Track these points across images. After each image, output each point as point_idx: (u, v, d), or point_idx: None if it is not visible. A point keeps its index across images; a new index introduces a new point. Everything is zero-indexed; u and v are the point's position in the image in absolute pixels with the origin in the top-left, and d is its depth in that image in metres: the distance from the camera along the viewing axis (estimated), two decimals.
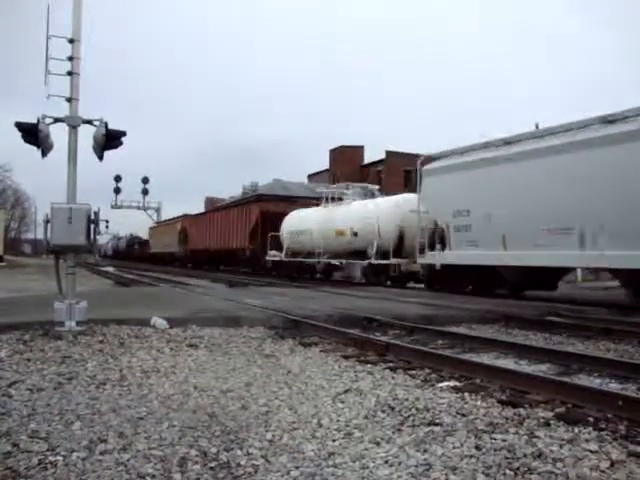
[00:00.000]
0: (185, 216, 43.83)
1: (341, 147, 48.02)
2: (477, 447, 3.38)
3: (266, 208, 27.68)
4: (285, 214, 25.02)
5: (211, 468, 3.10)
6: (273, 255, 24.74)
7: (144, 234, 66.17)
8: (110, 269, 34.08)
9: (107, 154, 8.01)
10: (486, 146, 14.76)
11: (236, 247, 30.32)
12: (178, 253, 42.12)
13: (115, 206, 62.04)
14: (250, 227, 28.14)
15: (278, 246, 24.56)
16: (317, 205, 23.92)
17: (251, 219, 28.40)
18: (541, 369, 5.95)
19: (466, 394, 4.67)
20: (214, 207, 40.36)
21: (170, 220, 49.55)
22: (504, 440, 3.49)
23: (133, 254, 62.68)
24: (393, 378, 5.34)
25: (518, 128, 14.30)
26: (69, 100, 7.74)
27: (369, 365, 5.92)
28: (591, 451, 3.29)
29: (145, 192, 64.20)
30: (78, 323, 7.46)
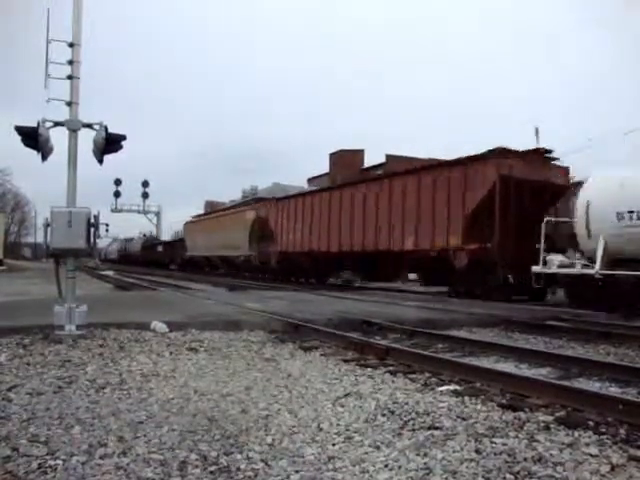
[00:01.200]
0: (263, 200, 28.78)
1: (341, 151, 48.05)
2: (477, 451, 3.37)
3: (513, 170, 14.31)
4: (560, 186, 14.10)
5: (211, 472, 3.10)
6: (561, 264, 12.59)
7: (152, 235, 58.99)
8: (110, 273, 34.05)
9: (107, 158, 8.02)
10: None
11: (414, 248, 16.67)
12: (247, 257, 27.77)
13: (115, 210, 62.08)
14: (471, 207, 14.88)
15: (553, 246, 13.21)
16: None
17: (471, 193, 14.93)
18: (541, 373, 5.95)
19: (466, 398, 4.67)
20: (348, 180, 24.10)
21: (229, 208, 35.45)
22: (504, 444, 3.49)
23: (153, 259, 49.56)
24: (393, 382, 5.34)
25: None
26: (69, 104, 7.74)
27: (369, 369, 5.92)
28: (591, 455, 3.30)
29: (145, 196, 64.30)
30: (78, 327, 7.45)
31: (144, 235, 60.32)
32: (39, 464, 3.14)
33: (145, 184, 63.63)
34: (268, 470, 3.13)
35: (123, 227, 66.82)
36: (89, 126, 7.80)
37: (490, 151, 14.81)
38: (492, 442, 3.53)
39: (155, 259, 49.43)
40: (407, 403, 4.48)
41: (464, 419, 4.05)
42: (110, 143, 7.80)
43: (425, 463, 3.20)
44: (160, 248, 50.16)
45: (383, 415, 4.18)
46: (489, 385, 5.11)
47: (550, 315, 10.39)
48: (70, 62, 7.72)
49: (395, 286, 21.15)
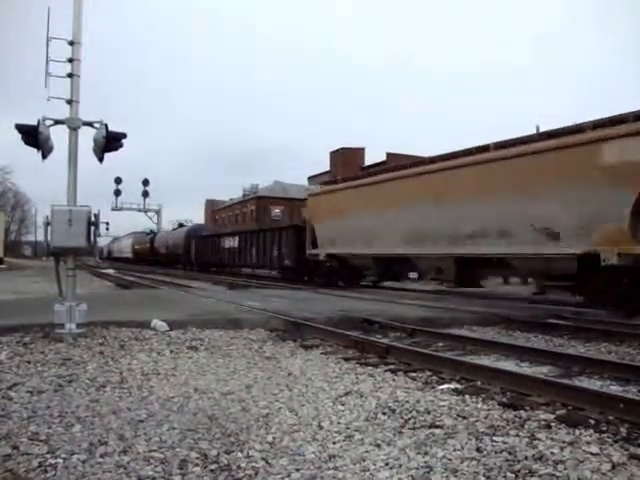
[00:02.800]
0: None
1: (342, 149, 48.11)
2: (478, 449, 3.37)
3: None
4: None
5: (211, 470, 3.10)
6: None
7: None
8: (111, 271, 34.07)
9: (107, 156, 8.02)
10: None
11: None
12: None
13: (115, 208, 62.01)
14: None
15: None
16: None
17: None
18: (542, 371, 5.94)
19: (467, 396, 4.67)
20: None
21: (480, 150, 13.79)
22: (505, 442, 3.48)
23: (216, 258, 32.39)
24: (394, 380, 5.33)
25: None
26: (69, 102, 7.74)
27: (370, 367, 5.92)
28: (592, 453, 3.29)
29: (145, 194, 64.21)
30: (78, 325, 7.45)
31: (180, 225, 45.03)
32: (39, 462, 3.14)
33: (145, 183, 63.54)
34: (269, 468, 3.13)
35: (123, 226, 66.48)
36: (89, 124, 7.80)
37: None
38: (493, 440, 3.52)
39: (222, 259, 31.57)
40: (408, 402, 4.47)
41: (465, 418, 4.05)
42: (110, 141, 7.79)
43: (426, 462, 3.19)
44: (233, 242, 30.29)
45: (384, 414, 4.17)
46: (490, 384, 5.10)
47: (551, 313, 10.38)
48: (70, 60, 7.72)
49: (396, 285, 21.13)
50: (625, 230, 10.44)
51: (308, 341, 7.58)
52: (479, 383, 5.19)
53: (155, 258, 45.23)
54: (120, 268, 39.18)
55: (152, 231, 52.16)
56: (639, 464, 3.15)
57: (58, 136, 7.73)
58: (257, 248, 27.34)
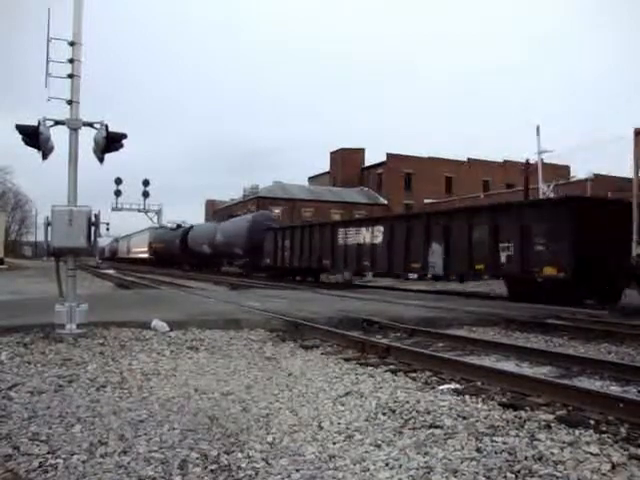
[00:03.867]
0: None
1: (342, 150, 48.12)
2: (478, 450, 3.37)
3: None
4: None
5: (212, 471, 3.10)
6: None
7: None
8: (111, 271, 34.04)
9: (108, 156, 8.02)
10: None
11: None
12: None
13: (115, 208, 61.90)
14: None
15: None
16: None
17: None
18: (542, 372, 5.94)
19: (467, 397, 4.67)
20: None
21: None
22: (505, 443, 3.48)
23: (333, 262, 20.93)
24: (394, 381, 5.34)
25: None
26: (70, 102, 7.75)
27: (370, 368, 5.92)
28: (592, 454, 3.29)
29: (146, 195, 64.08)
30: (79, 326, 7.45)
31: (230, 216, 35.07)
32: (40, 463, 3.14)
33: (146, 183, 63.41)
34: (269, 469, 3.13)
35: (123, 226, 66.41)
36: (90, 125, 7.80)
37: None
38: (493, 441, 3.53)
39: (338, 261, 20.78)
40: (408, 402, 4.48)
41: (465, 418, 4.05)
42: (111, 142, 7.80)
43: (426, 462, 3.19)
44: (368, 235, 19.31)
45: (384, 414, 4.18)
46: (490, 384, 5.10)
47: (551, 314, 10.38)
48: (71, 60, 7.72)
49: (396, 285, 21.14)
50: None
51: (308, 341, 7.59)
52: (479, 383, 5.19)
53: (191, 259, 35.24)
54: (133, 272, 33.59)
55: (179, 225, 43.19)
56: (639, 464, 3.15)
57: (58, 136, 7.75)
58: (446, 244, 15.80)
